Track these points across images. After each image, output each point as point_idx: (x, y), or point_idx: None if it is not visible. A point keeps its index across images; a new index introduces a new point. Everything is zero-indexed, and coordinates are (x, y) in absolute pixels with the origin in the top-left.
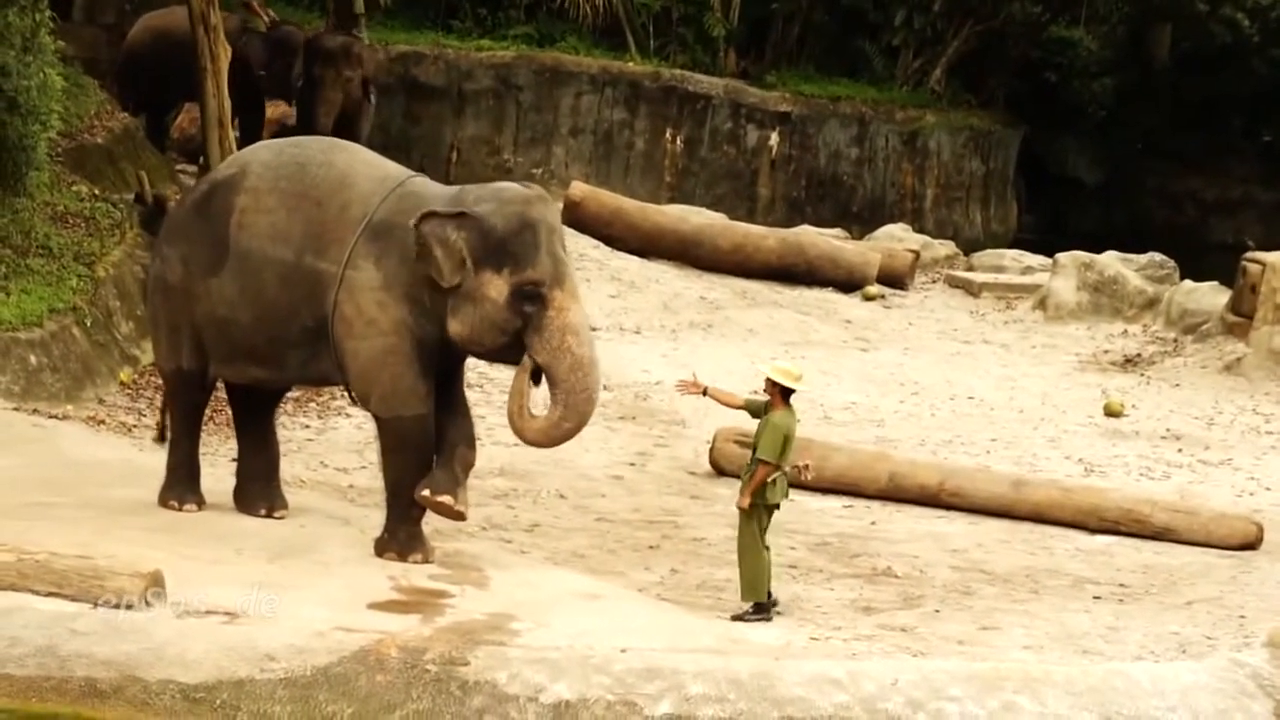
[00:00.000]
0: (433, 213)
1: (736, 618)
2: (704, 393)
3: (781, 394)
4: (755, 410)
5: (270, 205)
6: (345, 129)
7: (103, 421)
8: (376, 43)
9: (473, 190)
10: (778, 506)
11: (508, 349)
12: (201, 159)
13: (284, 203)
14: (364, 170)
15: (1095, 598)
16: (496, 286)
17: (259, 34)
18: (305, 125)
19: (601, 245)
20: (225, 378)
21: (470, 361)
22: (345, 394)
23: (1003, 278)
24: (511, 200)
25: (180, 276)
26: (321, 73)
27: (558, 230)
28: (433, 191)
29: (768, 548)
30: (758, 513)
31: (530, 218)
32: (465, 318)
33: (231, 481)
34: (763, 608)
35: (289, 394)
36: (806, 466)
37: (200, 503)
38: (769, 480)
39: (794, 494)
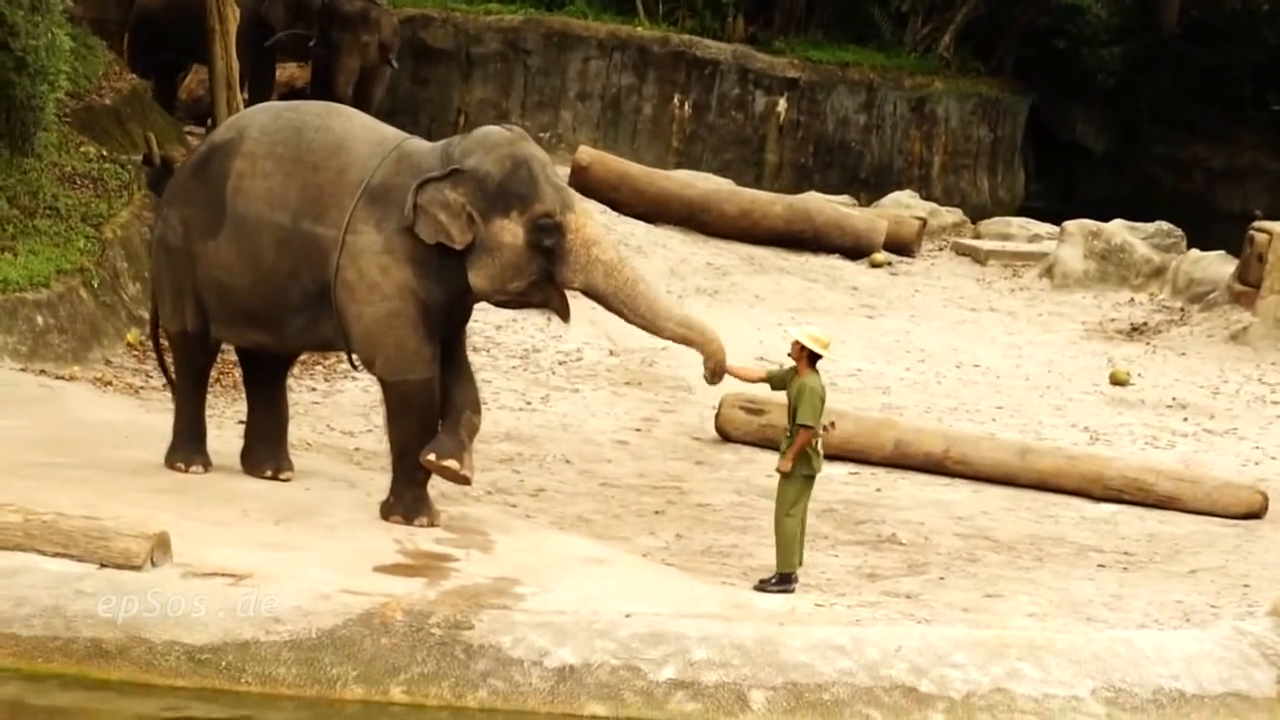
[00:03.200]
0: (426, 180)
1: (759, 585)
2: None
3: (809, 358)
4: (777, 381)
5: (267, 170)
6: (359, 93)
7: (109, 383)
8: (390, 6)
9: (456, 144)
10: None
11: (532, 290)
12: (209, 121)
13: (281, 167)
14: (361, 134)
15: (1099, 566)
16: (510, 230)
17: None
18: (323, 90)
19: (608, 210)
20: (226, 341)
21: (479, 326)
22: (347, 359)
23: (1010, 245)
24: (497, 144)
25: (181, 239)
26: (339, 38)
27: (548, 162)
28: (427, 150)
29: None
30: (798, 482)
31: (521, 155)
32: (485, 269)
33: (238, 443)
34: (787, 579)
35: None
36: (832, 424)
37: (206, 464)
38: (812, 449)
39: None
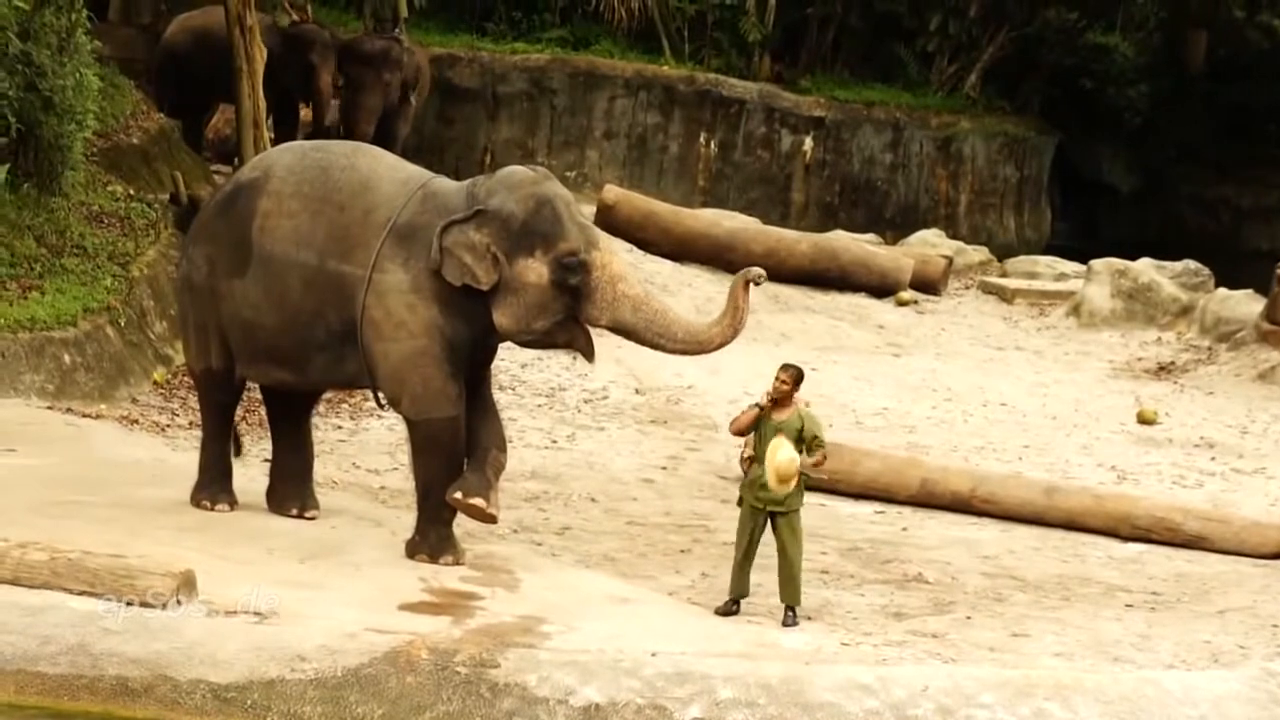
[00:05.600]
0: (451, 223)
1: (790, 622)
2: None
3: (785, 397)
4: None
5: (293, 209)
6: (382, 131)
7: (136, 421)
8: (416, 44)
9: (481, 184)
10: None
11: (556, 330)
12: (236, 160)
13: (307, 206)
14: (386, 174)
15: (1127, 606)
16: (535, 270)
17: (275, 31)
18: (348, 129)
19: (634, 249)
20: (251, 379)
21: (505, 365)
22: (372, 397)
23: (1036, 284)
24: (521, 183)
25: (205, 277)
26: (359, 77)
27: (572, 201)
28: (453, 190)
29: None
30: (747, 509)
31: (544, 194)
32: (509, 309)
33: (263, 481)
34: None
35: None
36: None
37: (232, 503)
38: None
39: (826, 500)
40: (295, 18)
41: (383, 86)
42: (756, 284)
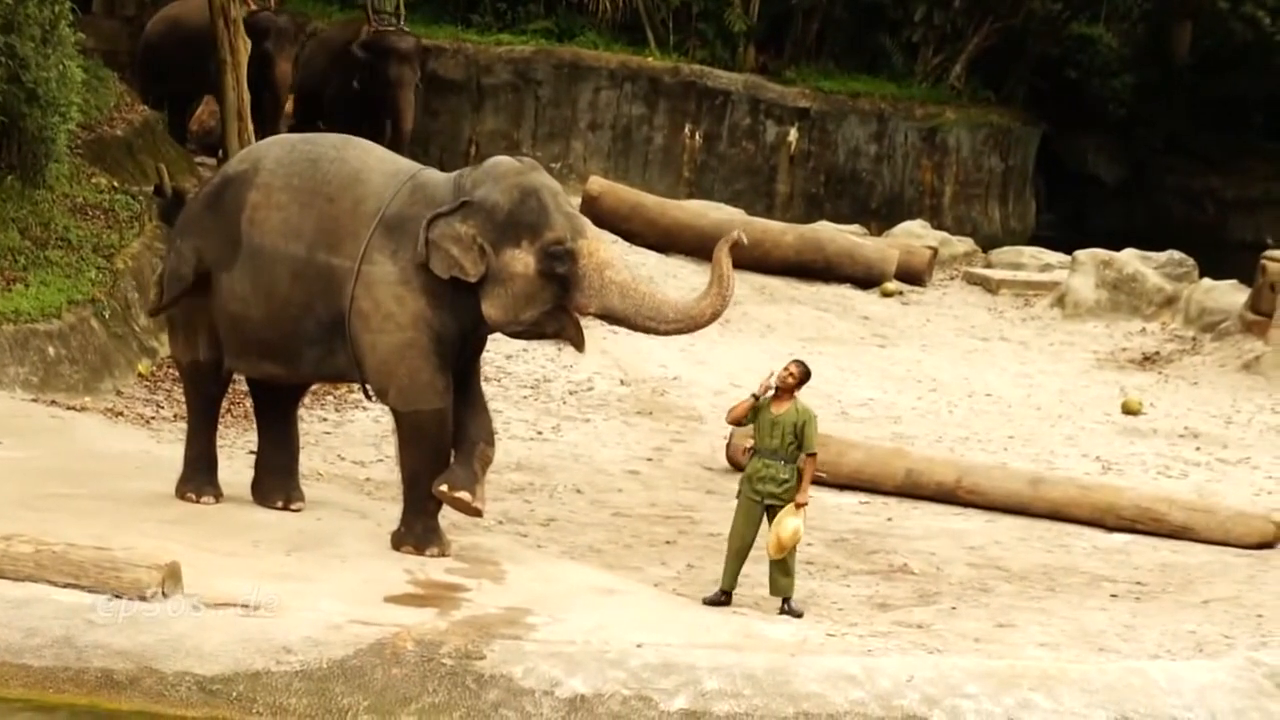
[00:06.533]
0: (436, 215)
1: (791, 612)
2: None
3: (798, 388)
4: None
5: (282, 201)
6: (376, 124)
7: (121, 413)
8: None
9: (467, 175)
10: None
11: (546, 319)
12: (220, 152)
13: (296, 199)
14: (376, 166)
15: (1112, 596)
16: (522, 260)
17: None
18: (396, 129)
19: (619, 240)
20: (239, 372)
21: (490, 356)
22: (361, 390)
23: (1021, 275)
24: (506, 174)
25: (193, 270)
26: (403, 77)
27: (559, 191)
28: (441, 181)
29: None
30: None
31: (530, 184)
32: (497, 299)
33: (249, 474)
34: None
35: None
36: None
37: (217, 495)
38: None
39: (811, 490)
40: (252, 6)
41: (416, 80)
42: (742, 243)
